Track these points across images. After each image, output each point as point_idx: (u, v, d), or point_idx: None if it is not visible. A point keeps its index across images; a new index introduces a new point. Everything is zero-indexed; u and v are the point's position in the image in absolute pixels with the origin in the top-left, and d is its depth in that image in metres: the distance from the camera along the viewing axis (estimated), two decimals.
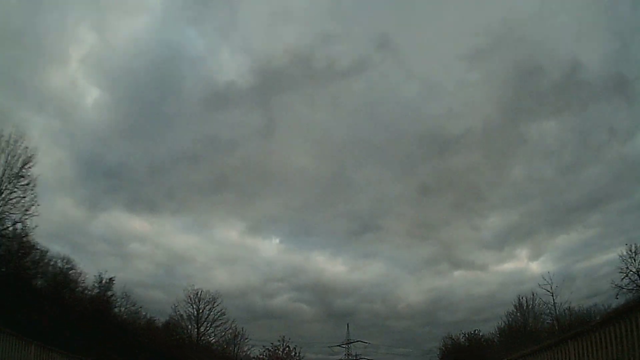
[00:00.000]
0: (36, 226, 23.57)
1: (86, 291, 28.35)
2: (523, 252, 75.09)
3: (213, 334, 47.12)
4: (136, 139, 74.28)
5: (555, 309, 36.08)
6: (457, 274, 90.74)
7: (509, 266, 79.15)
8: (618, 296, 29.73)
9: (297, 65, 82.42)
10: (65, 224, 47.46)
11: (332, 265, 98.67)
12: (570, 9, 71.49)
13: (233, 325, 49.50)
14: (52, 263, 26.41)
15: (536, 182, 73.01)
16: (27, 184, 23.27)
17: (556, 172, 70.71)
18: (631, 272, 30.27)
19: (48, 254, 25.90)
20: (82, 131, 64.05)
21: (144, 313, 35.41)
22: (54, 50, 63.24)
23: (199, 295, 46.96)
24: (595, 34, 70.18)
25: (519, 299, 38.86)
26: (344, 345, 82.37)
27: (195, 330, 45.83)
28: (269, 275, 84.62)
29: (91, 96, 74.26)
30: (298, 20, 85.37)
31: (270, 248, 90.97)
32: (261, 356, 53.77)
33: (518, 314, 38.88)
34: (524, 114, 77.16)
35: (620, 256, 31.25)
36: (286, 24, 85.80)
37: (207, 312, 46.58)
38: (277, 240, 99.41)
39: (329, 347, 78.43)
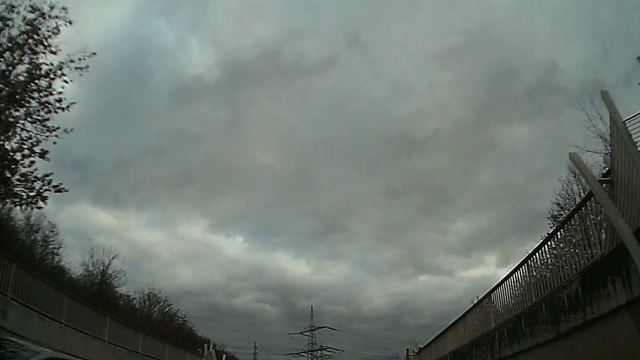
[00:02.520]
0: None
1: None
2: (491, 259, 73.57)
3: None
4: (103, 131, 73.43)
5: None
6: (423, 278, 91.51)
7: (476, 272, 78.41)
8: None
9: (264, 59, 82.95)
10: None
11: (295, 266, 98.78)
12: (550, 12, 70.41)
13: None
14: None
15: (506, 187, 72.93)
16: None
17: (527, 178, 70.01)
18: None
19: None
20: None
21: None
22: None
23: None
24: (574, 38, 68.53)
25: None
26: (305, 333, 75.52)
27: None
28: (232, 274, 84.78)
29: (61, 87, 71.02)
30: (268, 14, 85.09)
31: (233, 246, 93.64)
32: None
33: None
34: (495, 117, 77.82)
35: None
36: (256, 17, 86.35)
37: None
38: (241, 239, 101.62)
39: (288, 334, 73.85)
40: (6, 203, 15.61)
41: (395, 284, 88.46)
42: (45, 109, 13.85)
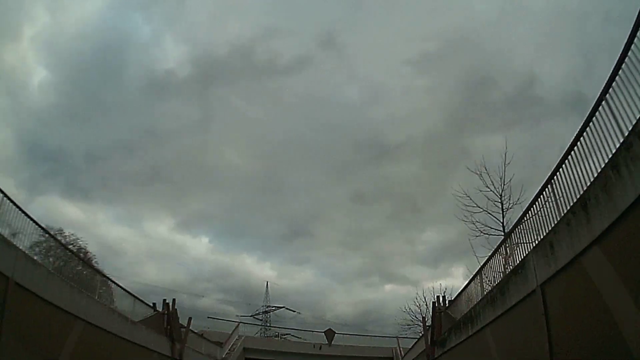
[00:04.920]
0: None
1: None
2: (459, 270, 68.27)
3: None
4: (76, 124, 71.94)
5: None
6: (389, 287, 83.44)
7: (443, 284, 71.97)
8: None
9: (237, 57, 79.21)
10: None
11: (260, 269, 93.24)
12: (533, 20, 65.91)
13: None
14: None
15: (477, 198, 71.21)
16: None
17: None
18: None
19: None
20: (27, 111, 64.11)
21: None
22: (8, 27, 60.29)
23: None
24: (557, 49, 64.83)
25: None
26: (258, 317, 62.28)
27: None
28: (197, 275, 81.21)
29: (38, 76, 71.89)
30: (243, 11, 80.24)
31: (199, 247, 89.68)
32: None
33: None
34: (470, 126, 71.13)
35: None
36: (231, 14, 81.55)
37: None
38: (207, 240, 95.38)
39: (237, 316, 58.06)
40: None
41: (360, 292, 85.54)
42: None
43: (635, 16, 6.91)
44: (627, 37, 7.15)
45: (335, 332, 38.54)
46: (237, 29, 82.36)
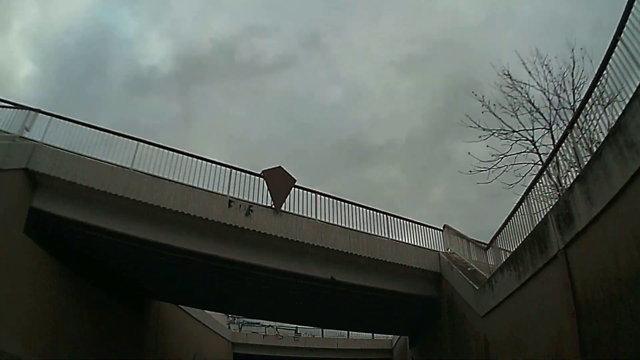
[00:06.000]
0: None
1: None
2: None
3: None
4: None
5: None
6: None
7: None
8: None
9: (220, 55, 76.92)
10: None
11: None
12: (521, 26, 67.52)
13: None
14: None
15: (458, 204, 68.79)
16: None
17: (481, 196, 68.11)
18: None
19: None
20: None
21: None
22: None
23: None
24: (543, 55, 65.54)
25: None
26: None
27: None
28: None
29: (25, 70, 71.21)
30: (227, 8, 78.11)
31: None
32: None
33: None
34: (452, 131, 73.51)
35: None
36: (215, 11, 78.80)
37: None
38: None
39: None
40: None
41: None
42: None
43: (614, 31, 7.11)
44: (608, 46, 7.31)
45: (295, 181, 15.18)
46: (221, 27, 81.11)
